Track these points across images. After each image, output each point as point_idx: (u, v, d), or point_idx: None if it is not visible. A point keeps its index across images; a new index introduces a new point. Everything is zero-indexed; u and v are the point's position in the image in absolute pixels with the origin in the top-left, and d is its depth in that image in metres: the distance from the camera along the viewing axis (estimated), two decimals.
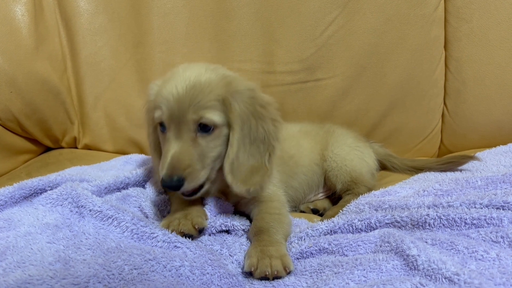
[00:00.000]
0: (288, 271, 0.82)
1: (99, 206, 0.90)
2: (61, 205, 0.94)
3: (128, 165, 1.26)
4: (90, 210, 0.91)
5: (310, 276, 0.82)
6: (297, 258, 0.90)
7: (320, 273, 0.82)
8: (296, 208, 1.23)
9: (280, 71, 1.44)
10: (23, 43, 1.34)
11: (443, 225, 0.90)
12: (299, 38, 1.41)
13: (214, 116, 0.87)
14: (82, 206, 0.92)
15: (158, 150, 0.99)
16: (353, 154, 1.26)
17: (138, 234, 0.86)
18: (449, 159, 1.29)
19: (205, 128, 0.87)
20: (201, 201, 1.00)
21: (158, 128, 0.94)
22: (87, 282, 0.69)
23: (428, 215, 0.91)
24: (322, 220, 1.08)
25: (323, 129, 1.31)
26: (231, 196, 1.02)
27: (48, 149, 1.52)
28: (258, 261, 0.82)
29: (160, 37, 1.45)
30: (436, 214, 0.90)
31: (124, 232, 0.87)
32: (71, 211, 0.93)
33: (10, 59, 1.31)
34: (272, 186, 1.05)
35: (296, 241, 0.95)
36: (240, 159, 0.90)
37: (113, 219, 0.89)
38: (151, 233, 0.86)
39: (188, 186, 0.86)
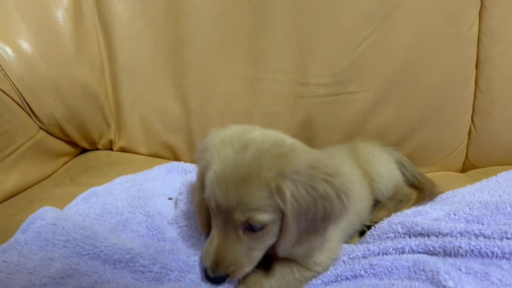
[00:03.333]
0: None
1: None
2: None
3: (171, 174, 1.32)
4: None
5: None
6: (332, 281, 0.94)
7: None
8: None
9: (313, 83, 1.47)
10: (65, 49, 1.37)
11: (475, 255, 0.96)
12: (334, 52, 1.44)
13: (265, 218, 0.77)
14: None
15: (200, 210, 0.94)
16: (393, 171, 1.34)
17: None
18: None
19: (252, 227, 0.79)
20: None
21: None
22: None
23: (460, 246, 0.96)
24: (370, 223, 1.17)
25: (357, 149, 1.34)
26: None
27: (84, 150, 1.56)
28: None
29: (196, 45, 1.48)
30: (469, 247, 0.95)
31: None
32: None
33: (53, 65, 1.34)
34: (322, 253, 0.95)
35: (331, 266, 0.98)
36: (294, 243, 0.82)
37: None
38: None
39: (231, 279, 0.85)
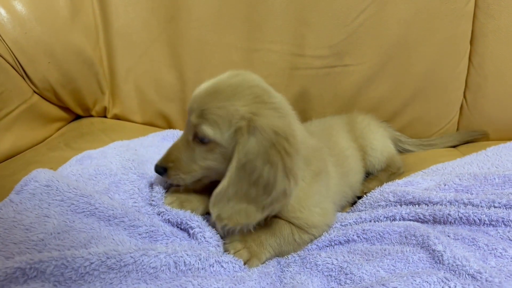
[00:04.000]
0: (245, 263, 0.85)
1: None
2: None
3: (166, 142, 1.32)
4: None
5: (342, 256, 0.90)
6: (326, 246, 0.98)
7: (351, 257, 0.90)
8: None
9: (310, 55, 1.47)
10: (60, 13, 1.36)
11: (463, 222, 0.99)
12: (331, 24, 1.44)
13: (209, 131, 0.81)
14: None
15: None
16: (386, 145, 1.37)
17: None
18: (453, 136, 1.50)
19: (198, 136, 0.84)
20: None
21: None
22: None
23: (449, 214, 0.99)
24: (364, 193, 1.19)
25: (355, 122, 1.36)
26: None
27: (77, 117, 1.56)
28: (233, 241, 0.88)
29: (193, 14, 1.47)
30: (457, 214, 0.98)
31: None
32: None
33: (48, 29, 1.33)
34: (318, 216, 0.96)
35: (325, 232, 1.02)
36: (230, 195, 0.81)
37: None
38: None
39: (168, 177, 0.91)
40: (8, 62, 1.25)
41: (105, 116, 1.58)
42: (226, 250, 0.88)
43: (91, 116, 1.57)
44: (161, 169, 0.90)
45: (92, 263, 0.75)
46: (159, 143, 1.34)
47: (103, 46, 1.49)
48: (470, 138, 1.52)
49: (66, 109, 1.48)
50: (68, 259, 0.74)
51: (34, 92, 1.34)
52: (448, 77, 1.48)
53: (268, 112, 0.81)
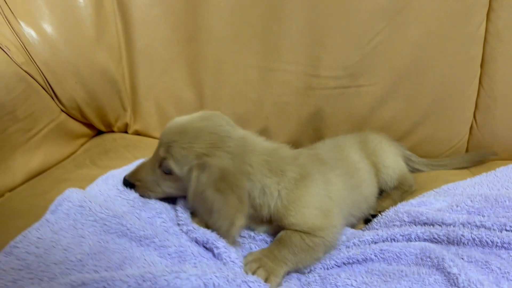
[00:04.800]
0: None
1: None
2: None
3: None
4: None
5: (361, 276, 0.94)
6: (344, 263, 1.02)
7: (370, 278, 0.95)
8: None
9: (324, 76, 1.52)
10: (86, 34, 1.41)
11: (476, 244, 1.04)
12: (346, 46, 1.49)
13: (173, 166, 0.96)
14: None
15: None
16: (398, 163, 1.42)
17: None
18: (463, 157, 1.55)
19: (162, 167, 0.98)
20: None
21: None
22: None
23: (463, 235, 1.03)
24: (378, 212, 1.23)
25: (367, 140, 1.41)
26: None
27: (99, 132, 1.61)
28: (248, 262, 0.93)
29: (212, 34, 1.52)
30: (471, 236, 1.03)
31: None
32: None
33: (76, 50, 1.38)
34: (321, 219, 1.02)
35: (344, 248, 1.07)
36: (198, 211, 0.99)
37: None
38: None
39: (136, 191, 1.05)
40: (39, 83, 1.30)
41: (126, 132, 1.63)
42: (245, 271, 0.93)
43: (113, 131, 1.62)
44: (129, 184, 1.05)
45: (129, 286, 0.79)
46: None
47: (126, 65, 1.54)
48: (479, 159, 1.56)
49: (89, 125, 1.53)
50: (108, 282, 0.78)
51: (62, 110, 1.40)
52: (458, 98, 1.53)
53: (219, 154, 0.94)
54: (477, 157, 1.56)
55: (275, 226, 1.03)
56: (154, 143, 1.56)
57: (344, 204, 1.13)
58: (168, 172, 0.98)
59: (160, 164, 0.98)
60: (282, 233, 1.00)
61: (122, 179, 1.15)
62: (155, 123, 1.61)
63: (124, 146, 1.48)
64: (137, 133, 1.63)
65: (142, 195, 1.05)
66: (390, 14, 1.46)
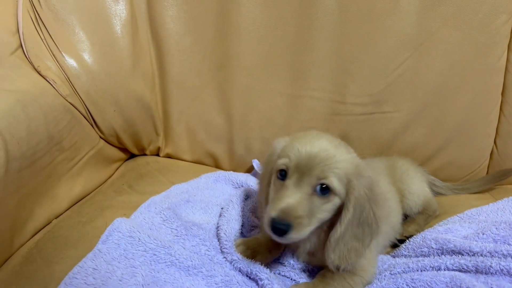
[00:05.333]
0: None
1: None
2: None
3: (219, 183, 1.46)
4: None
5: None
6: None
7: None
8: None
9: (350, 102, 1.58)
10: (124, 64, 1.47)
11: (504, 274, 1.08)
12: (372, 74, 1.55)
13: (336, 183, 0.91)
14: None
15: (266, 194, 1.04)
16: (423, 189, 1.47)
17: None
18: (486, 178, 1.60)
19: (323, 190, 0.92)
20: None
21: (274, 174, 0.98)
22: None
23: (491, 266, 1.08)
24: (401, 236, 1.30)
25: (396, 166, 1.47)
26: (315, 259, 1.09)
27: (131, 155, 1.68)
28: None
29: (242, 62, 1.58)
30: (499, 267, 1.07)
31: None
32: None
33: (114, 80, 1.44)
34: (363, 259, 1.03)
35: (376, 280, 1.11)
36: (345, 239, 0.94)
37: None
38: None
39: (292, 235, 0.89)
40: (81, 113, 1.36)
41: (157, 155, 1.69)
42: None
43: (145, 154, 1.68)
44: (286, 227, 0.88)
45: None
46: (213, 184, 1.46)
47: (159, 92, 1.60)
48: (503, 178, 1.60)
49: (124, 149, 1.60)
50: None
51: (101, 137, 1.46)
52: (480, 125, 1.59)
53: (361, 163, 0.99)
54: (500, 176, 1.60)
55: (318, 258, 1.06)
56: (185, 165, 1.65)
57: (379, 239, 1.17)
58: (327, 192, 0.92)
59: (317, 185, 0.92)
60: (324, 275, 1.03)
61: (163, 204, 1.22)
62: (185, 146, 1.67)
63: (157, 169, 1.54)
64: (168, 156, 1.69)
65: (294, 236, 0.91)
66: (414, 44, 1.51)
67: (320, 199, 0.92)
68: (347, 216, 0.93)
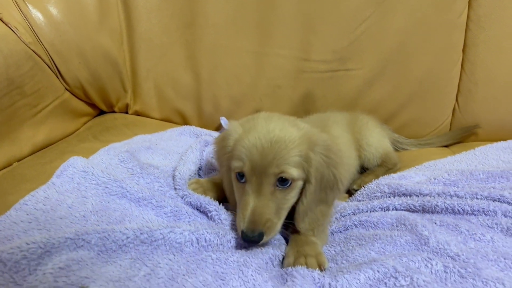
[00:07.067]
0: (322, 269, 0.89)
1: None
2: None
3: (183, 136, 1.48)
4: None
5: (338, 245, 1.03)
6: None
7: (346, 243, 1.02)
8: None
9: (315, 60, 1.61)
10: (89, 18, 1.50)
11: (449, 212, 1.12)
12: (335, 32, 1.58)
13: (294, 172, 0.91)
14: None
15: (232, 189, 1.03)
16: (382, 142, 1.50)
17: None
18: (448, 134, 1.64)
19: (283, 182, 0.92)
20: None
21: (233, 174, 0.98)
22: None
23: (437, 205, 1.10)
24: (358, 187, 1.33)
25: (356, 120, 1.50)
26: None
27: (101, 112, 1.70)
28: (294, 260, 0.90)
29: (209, 20, 1.61)
30: (444, 205, 1.10)
31: None
32: None
33: (80, 32, 1.47)
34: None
35: None
36: (312, 206, 0.97)
37: None
38: None
39: (266, 239, 0.91)
40: (45, 62, 1.39)
41: (126, 112, 1.72)
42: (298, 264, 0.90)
43: (114, 112, 1.70)
44: (258, 237, 0.90)
45: (128, 237, 0.87)
46: (177, 137, 1.48)
47: (127, 48, 1.63)
48: (465, 134, 1.65)
49: (92, 105, 1.62)
50: (109, 233, 0.86)
51: (66, 89, 1.48)
52: (442, 82, 1.62)
53: (314, 132, 0.99)
54: (462, 132, 1.65)
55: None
56: (153, 122, 1.68)
57: None
58: (289, 182, 0.93)
59: (278, 180, 0.92)
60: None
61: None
62: (154, 104, 1.69)
63: (124, 124, 1.57)
64: (137, 113, 1.72)
65: (269, 239, 0.93)
66: (376, 1, 1.54)
67: (283, 191, 0.94)
68: (310, 188, 0.95)
